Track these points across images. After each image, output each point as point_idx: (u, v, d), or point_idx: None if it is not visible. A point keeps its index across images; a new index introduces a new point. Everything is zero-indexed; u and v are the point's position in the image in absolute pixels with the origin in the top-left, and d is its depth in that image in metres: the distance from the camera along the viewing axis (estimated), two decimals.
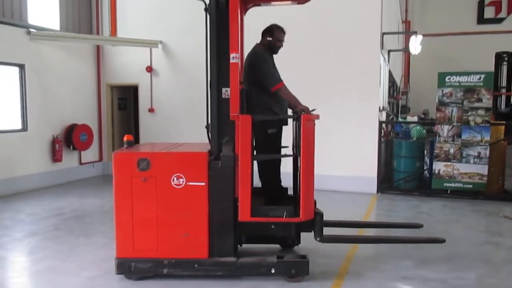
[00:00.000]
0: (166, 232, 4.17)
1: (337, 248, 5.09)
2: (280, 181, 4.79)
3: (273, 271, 4.17)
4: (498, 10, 20.61)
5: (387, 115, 10.81)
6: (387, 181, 8.91)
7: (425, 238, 5.28)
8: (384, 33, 8.88)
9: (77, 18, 9.96)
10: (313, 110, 4.34)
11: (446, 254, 5.03)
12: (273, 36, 4.65)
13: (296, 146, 4.54)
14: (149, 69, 10.00)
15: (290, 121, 4.70)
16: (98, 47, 10.32)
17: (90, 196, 8.31)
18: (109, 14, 10.18)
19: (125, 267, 4.20)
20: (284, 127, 4.70)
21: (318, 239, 4.35)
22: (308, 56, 8.63)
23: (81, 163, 9.98)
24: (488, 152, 7.83)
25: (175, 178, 4.13)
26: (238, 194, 4.11)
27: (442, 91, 8.04)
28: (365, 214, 7.04)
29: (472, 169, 7.90)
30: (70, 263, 4.78)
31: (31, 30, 8.67)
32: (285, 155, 4.61)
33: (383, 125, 8.99)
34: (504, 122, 8.86)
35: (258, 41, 4.74)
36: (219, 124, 4.20)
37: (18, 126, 8.57)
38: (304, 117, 4.12)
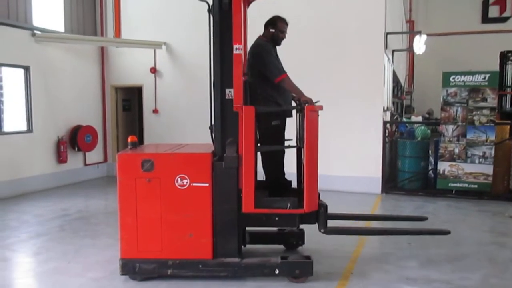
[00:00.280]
0: (170, 233, 4.18)
1: (341, 248, 5.09)
2: (284, 173, 4.77)
3: (277, 271, 4.16)
4: (503, 9, 20.46)
5: (392, 115, 10.78)
6: (392, 181, 8.88)
7: (430, 230, 5.26)
8: (388, 33, 8.87)
9: (82, 20, 10.01)
10: (316, 101, 4.32)
11: (451, 254, 5.02)
12: (276, 28, 4.64)
13: (299, 138, 4.53)
14: (153, 70, 10.03)
15: (294, 113, 4.68)
16: (102, 48, 10.37)
17: (95, 197, 8.35)
18: (113, 16, 10.23)
19: (129, 268, 4.21)
20: (287, 120, 4.66)
21: (322, 230, 4.33)
22: (312, 56, 8.63)
23: (85, 164, 10.02)
24: (493, 152, 7.79)
25: (179, 179, 4.14)
26: (242, 185, 4.07)
27: (447, 90, 8.00)
28: None
29: (477, 169, 7.86)
30: (75, 264, 4.80)
31: (36, 32, 8.72)
32: (289, 146, 4.60)
33: (388, 125, 8.97)
34: (509, 121, 8.79)
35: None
36: (223, 125, 4.20)
37: (24, 127, 8.62)
38: (308, 108, 4.11)
